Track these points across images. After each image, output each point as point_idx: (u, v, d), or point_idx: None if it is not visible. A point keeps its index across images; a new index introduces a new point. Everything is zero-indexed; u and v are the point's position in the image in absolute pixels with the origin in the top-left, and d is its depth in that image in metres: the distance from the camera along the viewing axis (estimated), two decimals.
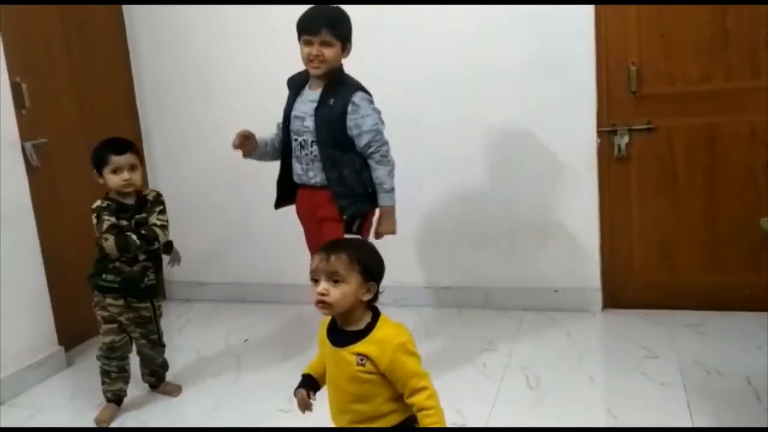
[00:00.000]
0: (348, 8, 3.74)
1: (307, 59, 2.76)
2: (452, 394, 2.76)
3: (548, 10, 3.48)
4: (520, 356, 3.25)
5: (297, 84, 2.94)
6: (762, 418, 2.54)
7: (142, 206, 2.84)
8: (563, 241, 3.70)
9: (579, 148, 3.58)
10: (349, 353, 1.80)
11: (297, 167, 2.93)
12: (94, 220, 2.75)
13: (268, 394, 3.03)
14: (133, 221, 2.79)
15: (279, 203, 3.09)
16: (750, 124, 3.37)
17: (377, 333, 1.81)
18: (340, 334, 1.85)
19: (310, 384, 1.97)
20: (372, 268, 1.83)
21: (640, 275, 3.67)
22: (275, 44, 3.94)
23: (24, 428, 2.86)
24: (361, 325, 1.83)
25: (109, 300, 2.84)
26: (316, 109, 2.80)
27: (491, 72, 3.65)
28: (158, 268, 2.97)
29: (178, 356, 3.46)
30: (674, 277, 3.61)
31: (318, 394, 1.98)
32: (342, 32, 2.77)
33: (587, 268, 3.70)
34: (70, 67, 3.80)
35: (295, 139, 2.89)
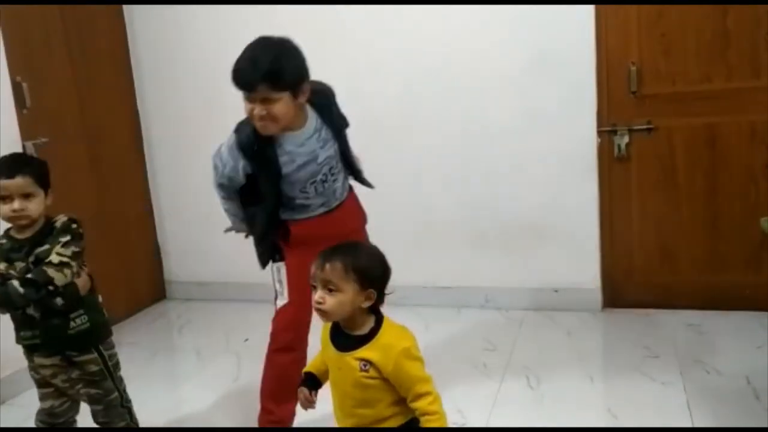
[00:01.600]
0: (348, 9, 3.79)
1: (250, 117, 2.27)
2: (453, 394, 2.78)
3: (548, 10, 3.48)
4: (520, 356, 3.25)
5: (264, 143, 2.33)
6: (762, 417, 2.54)
7: (44, 237, 2.17)
8: (563, 241, 3.70)
9: (579, 148, 3.58)
10: (352, 358, 1.79)
11: (320, 201, 2.46)
12: None
13: None
14: (30, 259, 2.14)
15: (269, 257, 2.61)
16: (750, 124, 3.37)
17: (381, 338, 1.78)
18: (344, 338, 1.82)
19: (312, 382, 1.96)
20: (370, 275, 1.77)
21: (641, 275, 3.67)
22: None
23: (24, 428, 2.86)
24: (365, 330, 1.80)
25: (37, 360, 2.25)
26: (324, 138, 2.40)
27: (491, 72, 3.65)
28: (91, 306, 2.26)
29: (178, 355, 3.47)
30: (674, 276, 3.62)
31: (321, 392, 1.98)
32: (286, 81, 2.20)
33: (587, 268, 3.70)
34: (70, 66, 3.81)
35: (312, 182, 2.41)
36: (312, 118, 2.39)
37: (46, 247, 2.14)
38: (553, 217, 3.70)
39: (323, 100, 2.45)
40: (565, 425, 2.61)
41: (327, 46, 3.89)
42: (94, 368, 2.28)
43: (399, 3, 3.69)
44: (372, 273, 1.78)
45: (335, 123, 2.47)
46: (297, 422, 2.62)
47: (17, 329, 2.24)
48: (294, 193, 2.41)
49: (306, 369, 2.01)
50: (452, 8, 3.62)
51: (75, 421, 2.41)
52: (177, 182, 4.38)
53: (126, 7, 4.22)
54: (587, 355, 3.25)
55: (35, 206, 2.16)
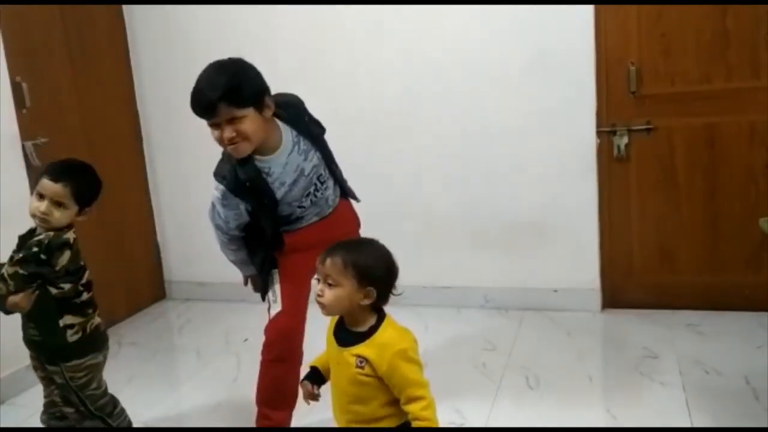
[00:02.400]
0: (348, 10, 3.79)
1: (221, 143, 2.23)
2: (452, 394, 2.78)
3: (548, 10, 3.48)
4: (519, 356, 3.25)
5: (251, 176, 2.29)
6: (761, 417, 2.54)
7: (23, 243, 2.21)
8: (563, 241, 3.70)
9: (578, 148, 3.58)
10: (350, 354, 1.80)
11: (315, 211, 2.46)
12: None
13: None
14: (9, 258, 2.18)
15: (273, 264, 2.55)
16: (750, 124, 3.37)
17: (379, 336, 1.79)
18: (345, 334, 1.84)
19: (315, 377, 1.98)
20: (370, 273, 1.78)
21: (640, 275, 3.67)
22: (276, 42, 3.96)
23: (24, 428, 2.86)
24: (365, 327, 1.82)
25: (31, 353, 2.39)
26: (305, 149, 2.37)
27: (491, 72, 3.65)
28: (47, 327, 2.25)
29: (178, 355, 3.47)
30: (674, 276, 3.62)
31: (323, 395, 1.98)
32: (246, 96, 2.16)
33: (587, 268, 3.70)
34: (70, 66, 3.81)
35: (307, 195, 2.41)
36: (287, 132, 2.34)
37: (22, 254, 2.14)
38: (552, 217, 3.70)
39: (292, 111, 2.40)
40: (565, 425, 2.62)
41: (327, 46, 3.90)
42: (58, 380, 2.31)
43: (399, 3, 3.68)
44: (373, 272, 1.79)
45: (311, 131, 2.42)
46: (297, 421, 2.62)
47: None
48: (291, 210, 2.41)
49: (312, 363, 2.02)
50: (452, 8, 3.62)
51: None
52: (177, 182, 4.38)
53: (126, 7, 4.22)
54: (586, 355, 3.25)
55: (61, 216, 2.15)
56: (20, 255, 2.12)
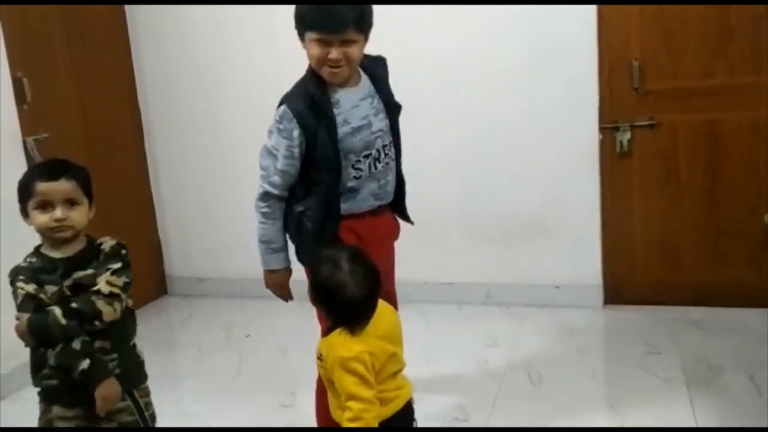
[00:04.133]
0: None
1: (323, 62, 2.10)
2: (454, 390, 2.78)
3: (551, 5, 3.47)
4: (521, 352, 3.25)
5: (317, 105, 2.14)
6: (764, 413, 2.54)
7: (87, 260, 1.88)
8: (565, 237, 3.70)
9: (581, 144, 3.57)
10: (318, 344, 1.89)
11: (373, 187, 2.25)
12: (10, 288, 1.83)
13: (270, 390, 3.03)
14: (66, 282, 1.83)
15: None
16: (753, 120, 3.36)
17: (332, 337, 1.82)
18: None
19: None
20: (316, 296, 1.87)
21: (642, 271, 3.66)
22: (276, 38, 3.95)
23: (24, 428, 2.83)
24: (329, 324, 1.88)
25: (57, 409, 1.87)
26: (377, 107, 2.25)
27: (493, 68, 3.64)
28: (124, 351, 1.93)
29: (179, 351, 3.47)
30: (676, 273, 3.61)
31: None
32: (369, 22, 2.16)
33: (589, 264, 3.69)
34: (71, 62, 3.80)
35: (366, 156, 2.21)
36: (365, 80, 2.25)
37: (90, 272, 1.85)
38: (554, 213, 3.69)
39: (379, 67, 2.33)
40: (567, 421, 2.61)
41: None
42: (126, 418, 1.93)
43: (400, 3, 3.66)
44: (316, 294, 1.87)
45: (389, 97, 2.31)
46: (298, 418, 2.61)
47: (37, 367, 1.87)
48: (347, 169, 2.19)
49: None
50: (453, 6, 3.61)
51: None
52: (178, 178, 4.37)
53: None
54: (589, 351, 3.24)
55: (79, 216, 1.87)
56: (117, 264, 1.88)
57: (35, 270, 1.84)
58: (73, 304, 1.79)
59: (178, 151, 4.33)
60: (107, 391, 1.82)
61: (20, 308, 1.78)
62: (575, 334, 3.41)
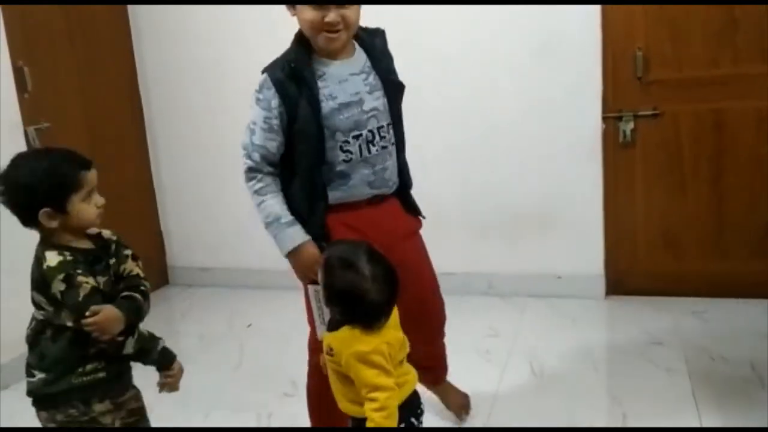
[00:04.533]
0: None
1: (320, 28, 1.96)
2: (456, 380, 2.77)
3: None
4: (523, 343, 3.25)
5: (297, 74, 2.01)
6: (766, 404, 2.53)
7: (106, 249, 1.85)
8: (567, 228, 3.69)
9: (584, 133, 3.56)
10: (325, 338, 1.81)
11: (366, 174, 2.09)
12: (60, 287, 1.69)
13: (272, 379, 3.03)
14: (110, 273, 1.83)
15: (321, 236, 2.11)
16: (757, 111, 3.34)
17: (343, 331, 1.76)
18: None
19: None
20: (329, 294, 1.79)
21: (645, 262, 3.66)
22: (278, 31, 3.93)
23: (25, 428, 2.81)
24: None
25: (98, 406, 1.80)
26: (372, 84, 2.09)
27: (496, 57, 3.62)
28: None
29: (181, 341, 3.47)
30: (679, 263, 3.60)
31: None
32: None
33: (591, 255, 3.68)
34: (72, 51, 3.79)
35: (356, 136, 2.05)
36: (360, 54, 2.08)
37: (113, 260, 1.84)
38: (556, 203, 3.68)
39: (378, 41, 2.13)
40: (568, 412, 2.61)
41: None
42: (134, 405, 1.92)
43: (404, 3, 3.65)
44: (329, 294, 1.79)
45: (388, 75, 2.12)
46: (302, 407, 2.61)
47: (72, 367, 1.78)
48: (334, 151, 2.03)
49: None
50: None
51: None
52: (179, 168, 4.36)
53: None
54: (591, 341, 3.24)
55: (100, 198, 1.82)
56: (129, 250, 1.89)
57: (88, 263, 1.76)
58: (142, 287, 1.83)
59: (179, 141, 4.32)
60: (180, 365, 1.91)
61: (89, 302, 1.68)
62: (577, 325, 3.41)
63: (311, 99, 1.98)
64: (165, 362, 1.88)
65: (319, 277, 1.82)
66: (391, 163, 2.16)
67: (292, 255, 2.06)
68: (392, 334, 1.80)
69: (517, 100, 3.62)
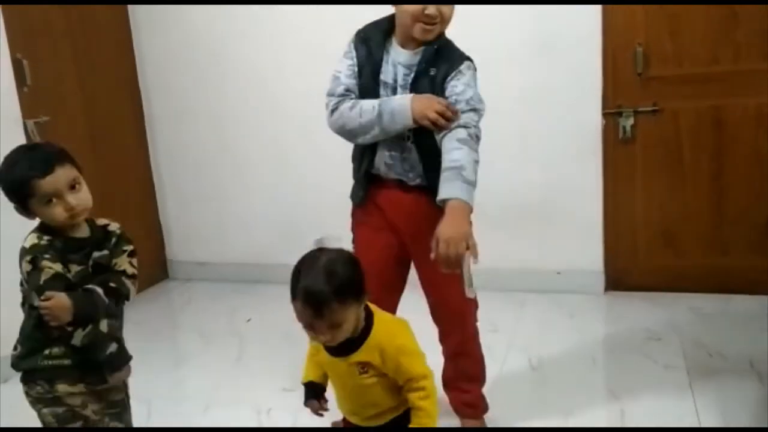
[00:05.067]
0: None
1: (418, 19, 2.11)
2: None
3: None
4: (522, 337, 3.25)
5: (375, 39, 2.21)
6: (764, 400, 2.54)
7: (101, 240, 1.88)
8: (566, 223, 3.69)
9: (584, 129, 3.56)
10: (349, 363, 1.73)
11: (384, 155, 2.23)
12: (27, 267, 1.75)
13: (271, 374, 3.03)
14: (90, 263, 1.84)
15: (362, 200, 2.32)
16: (757, 107, 3.34)
17: (373, 339, 1.71)
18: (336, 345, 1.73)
19: (315, 392, 1.86)
20: (359, 286, 1.66)
21: (644, 258, 3.66)
22: (278, 26, 3.93)
23: (25, 428, 2.81)
24: (357, 332, 1.72)
25: (62, 387, 1.84)
26: (416, 79, 2.17)
27: (496, 52, 3.60)
28: (121, 329, 1.98)
29: (180, 335, 3.47)
30: (678, 259, 3.60)
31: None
32: None
33: (590, 251, 3.69)
34: (72, 44, 3.78)
35: None
36: (420, 54, 2.19)
37: (105, 252, 1.86)
38: (556, 198, 3.68)
39: (445, 64, 2.19)
40: (567, 407, 2.61)
41: (332, 31, 3.85)
42: (117, 397, 1.97)
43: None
44: (359, 283, 1.67)
45: (439, 96, 2.16)
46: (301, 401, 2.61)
47: (39, 347, 1.83)
48: None
49: (304, 380, 1.89)
50: None
51: None
52: (179, 162, 4.36)
53: None
54: (589, 336, 3.24)
55: (85, 194, 1.82)
56: (130, 247, 1.91)
57: (61, 250, 1.79)
58: (111, 284, 1.82)
59: (178, 135, 4.32)
60: (126, 374, 1.90)
61: (47, 286, 1.71)
62: (576, 320, 3.42)
63: (375, 68, 2.19)
64: (112, 366, 1.86)
65: (353, 283, 1.67)
66: (411, 159, 2.23)
67: (413, 102, 2.13)
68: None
69: (517, 96, 3.61)
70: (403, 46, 2.20)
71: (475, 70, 2.31)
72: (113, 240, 1.89)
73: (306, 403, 1.86)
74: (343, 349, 1.73)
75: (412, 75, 2.18)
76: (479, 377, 2.52)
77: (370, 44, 2.21)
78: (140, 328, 3.71)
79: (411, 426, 1.75)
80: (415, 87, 2.17)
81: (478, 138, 2.21)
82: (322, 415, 1.86)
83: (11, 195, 1.80)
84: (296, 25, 3.91)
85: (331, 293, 1.60)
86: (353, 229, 2.40)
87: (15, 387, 2.97)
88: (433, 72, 2.18)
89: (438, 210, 2.04)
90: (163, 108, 4.32)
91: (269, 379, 2.99)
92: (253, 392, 2.90)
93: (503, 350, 3.12)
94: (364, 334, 1.72)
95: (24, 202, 1.78)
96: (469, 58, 2.28)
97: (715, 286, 3.53)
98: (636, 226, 3.63)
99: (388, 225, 2.29)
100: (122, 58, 4.20)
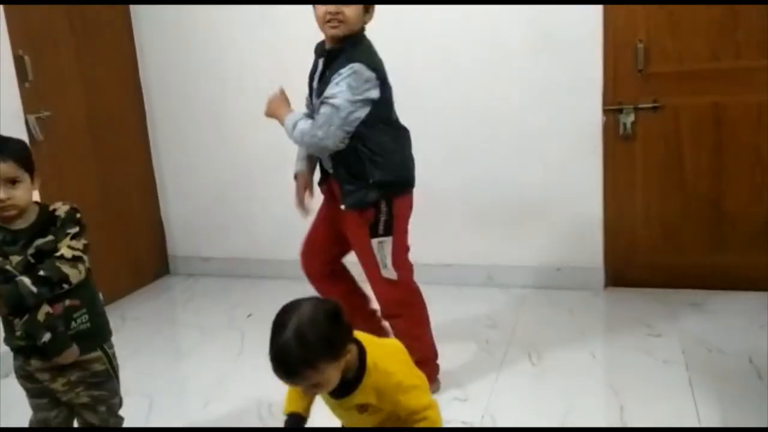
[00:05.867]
0: None
1: (324, 19, 2.38)
2: (455, 370, 2.79)
3: None
4: (522, 333, 3.26)
5: (317, 53, 2.57)
6: (763, 396, 2.55)
7: (45, 228, 1.93)
8: (566, 219, 3.70)
9: (584, 126, 3.56)
10: (348, 405, 1.72)
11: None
12: None
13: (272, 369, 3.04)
14: (29, 251, 1.89)
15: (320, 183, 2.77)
16: (757, 104, 3.34)
17: (369, 379, 1.68)
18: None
19: (297, 424, 1.81)
20: (338, 343, 1.60)
21: (644, 254, 3.67)
22: (279, 17, 3.93)
23: (25, 428, 2.82)
24: (350, 375, 1.68)
25: (34, 363, 1.99)
26: (320, 79, 2.50)
27: (497, 50, 3.62)
28: (92, 304, 2.03)
29: (181, 331, 3.48)
30: (677, 256, 3.61)
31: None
32: None
33: (590, 247, 3.69)
34: (73, 40, 3.78)
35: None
36: (324, 65, 2.49)
37: (49, 238, 1.91)
38: (556, 195, 3.68)
39: (345, 63, 2.40)
40: (567, 403, 2.62)
41: None
42: (99, 368, 2.06)
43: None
44: (331, 340, 1.59)
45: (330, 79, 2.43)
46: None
47: (8, 330, 1.97)
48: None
49: (286, 411, 1.84)
50: None
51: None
52: (180, 157, 4.37)
53: None
54: (589, 333, 3.25)
55: (22, 193, 1.89)
56: (74, 228, 1.93)
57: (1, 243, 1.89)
58: (41, 272, 1.85)
59: (180, 130, 4.32)
60: (65, 359, 1.96)
61: None
62: (576, 316, 3.42)
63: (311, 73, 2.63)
64: (50, 352, 1.94)
65: (330, 347, 1.63)
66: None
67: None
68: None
69: (518, 92, 3.62)
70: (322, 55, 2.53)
71: (371, 71, 2.42)
72: (57, 224, 1.93)
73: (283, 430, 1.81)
74: (340, 391, 1.70)
75: (318, 75, 2.50)
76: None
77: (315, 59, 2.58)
78: (141, 323, 3.73)
79: None
80: (319, 86, 2.48)
81: (321, 128, 2.41)
82: None
83: None
84: (296, 24, 3.90)
85: (301, 362, 1.55)
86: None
87: (15, 383, 2.99)
88: (328, 72, 2.41)
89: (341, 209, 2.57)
90: (165, 103, 4.32)
91: (270, 375, 2.98)
92: (254, 387, 2.91)
93: (503, 346, 3.13)
94: (359, 376, 1.68)
95: None
96: (359, 61, 2.39)
97: (714, 282, 3.53)
98: (636, 223, 3.64)
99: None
100: (124, 53, 4.20)
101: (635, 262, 3.69)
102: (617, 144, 3.57)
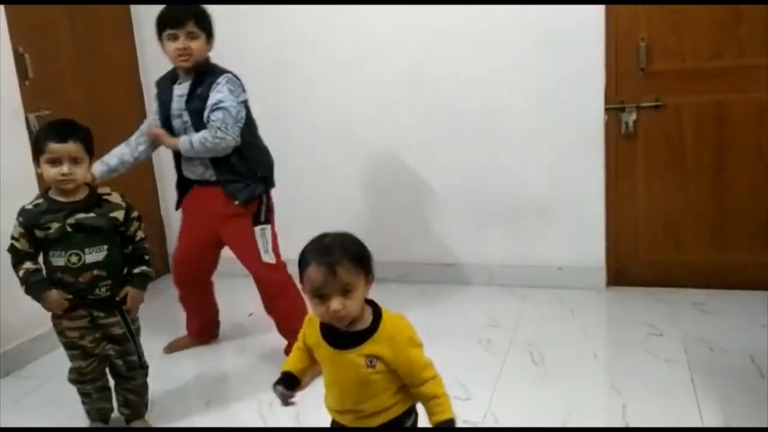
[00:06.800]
0: None
1: (175, 54, 2.81)
2: (457, 369, 2.78)
3: None
4: (524, 332, 3.25)
5: (167, 83, 2.97)
6: (765, 395, 2.54)
7: (90, 206, 2.34)
8: (568, 219, 3.69)
9: (586, 124, 3.56)
10: (356, 355, 1.69)
11: (190, 165, 2.98)
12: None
13: (274, 366, 3.01)
14: (69, 221, 2.28)
15: (178, 204, 3.17)
16: (760, 103, 3.34)
17: (384, 330, 1.69)
18: (340, 335, 1.71)
19: (289, 382, 1.84)
20: (369, 261, 1.68)
21: (645, 253, 3.66)
22: (282, 13, 3.92)
23: (25, 428, 2.81)
24: (365, 324, 1.70)
25: (66, 322, 2.40)
26: (187, 103, 2.85)
27: (499, 48, 3.61)
28: (117, 279, 2.42)
29: (181, 330, 3.47)
30: (679, 255, 3.60)
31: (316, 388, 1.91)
32: (207, 25, 2.86)
33: (592, 246, 3.69)
34: (73, 38, 3.77)
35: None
36: (192, 86, 2.86)
37: (91, 215, 2.31)
38: (558, 194, 3.68)
39: (214, 77, 2.82)
40: (569, 402, 2.62)
41: (334, 23, 3.85)
42: (118, 330, 2.45)
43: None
44: (369, 258, 1.69)
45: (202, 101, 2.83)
46: (302, 395, 2.62)
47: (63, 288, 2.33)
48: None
49: (284, 368, 1.88)
50: None
51: (105, 377, 2.56)
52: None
53: None
54: (591, 332, 3.25)
55: (82, 172, 2.28)
56: (137, 213, 2.47)
57: (37, 213, 2.28)
58: (145, 256, 2.47)
59: None
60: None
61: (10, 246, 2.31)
62: (578, 316, 3.42)
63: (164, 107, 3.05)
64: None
65: (364, 254, 1.71)
66: (206, 164, 2.93)
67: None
68: None
69: (520, 91, 3.61)
70: (180, 84, 2.91)
71: (237, 79, 2.87)
72: (103, 206, 2.36)
73: (275, 387, 1.84)
74: (352, 340, 1.70)
75: (185, 99, 2.85)
76: (288, 333, 2.99)
77: (160, 89, 3.02)
78: (142, 322, 3.70)
79: (437, 414, 1.73)
80: (189, 105, 2.84)
81: (219, 129, 2.75)
82: (289, 404, 1.85)
83: (33, 145, 2.35)
84: (296, 24, 3.90)
85: (344, 252, 1.64)
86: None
87: (17, 381, 2.98)
88: (199, 90, 2.81)
89: (230, 201, 2.88)
90: None
91: (271, 374, 2.97)
92: (254, 386, 2.90)
93: (505, 345, 3.13)
94: (375, 326, 1.70)
95: (37, 156, 2.27)
96: (228, 72, 2.86)
97: (716, 281, 3.53)
98: (638, 222, 3.63)
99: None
100: (124, 52, 4.19)
101: (637, 261, 3.68)
102: (619, 143, 3.56)
